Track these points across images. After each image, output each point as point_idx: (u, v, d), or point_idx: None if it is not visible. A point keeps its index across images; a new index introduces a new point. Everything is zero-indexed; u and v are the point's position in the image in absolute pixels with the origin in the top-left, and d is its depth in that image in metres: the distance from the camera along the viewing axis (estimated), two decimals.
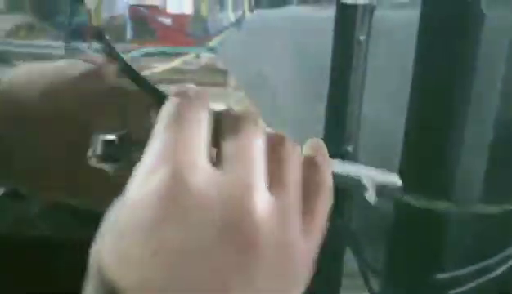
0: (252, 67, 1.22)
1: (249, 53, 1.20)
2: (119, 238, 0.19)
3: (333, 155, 0.26)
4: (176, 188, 0.19)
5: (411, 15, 0.42)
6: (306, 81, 0.71)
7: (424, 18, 0.42)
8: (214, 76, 1.84)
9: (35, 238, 0.46)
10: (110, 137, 0.49)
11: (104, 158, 0.49)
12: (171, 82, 1.78)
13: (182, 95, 0.23)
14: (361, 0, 0.52)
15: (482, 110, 0.43)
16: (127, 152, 0.50)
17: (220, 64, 1.88)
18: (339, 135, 0.55)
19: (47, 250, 0.44)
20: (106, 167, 0.47)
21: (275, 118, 0.89)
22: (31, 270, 0.41)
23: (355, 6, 0.52)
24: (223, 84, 1.80)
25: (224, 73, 1.83)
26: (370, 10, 0.51)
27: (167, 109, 0.22)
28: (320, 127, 0.56)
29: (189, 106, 0.22)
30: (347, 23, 0.52)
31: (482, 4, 0.39)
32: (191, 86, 0.24)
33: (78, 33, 1.34)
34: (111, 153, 0.48)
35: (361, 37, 0.52)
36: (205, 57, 1.96)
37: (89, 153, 0.44)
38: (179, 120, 0.22)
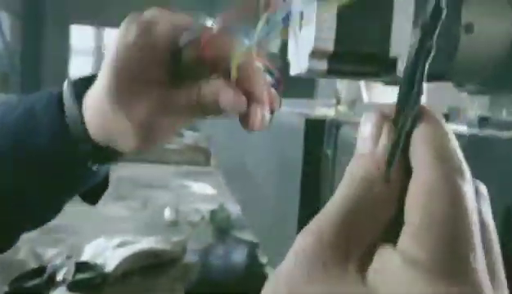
0: (235, 150, 1.23)
1: (234, 138, 1.22)
2: None
3: None
4: None
5: None
6: (282, 167, 0.72)
7: None
8: (197, 155, 1.85)
9: None
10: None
11: None
12: (153, 161, 1.79)
13: None
14: (329, 115, 0.54)
15: None
16: None
17: (203, 144, 1.89)
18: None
19: None
20: None
21: (255, 195, 0.89)
22: None
23: (322, 121, 0.54)
24: (206, 163, 1.81)
25: (207, 152, 1.85)
26: (336, 125, 0.53)
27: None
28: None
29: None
30: (314, 137, 0.54)
31: None
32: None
33: None
34: None
35: (329, 151, 0.53)
36: (189, 136, 1.98)
37: None
38: None
